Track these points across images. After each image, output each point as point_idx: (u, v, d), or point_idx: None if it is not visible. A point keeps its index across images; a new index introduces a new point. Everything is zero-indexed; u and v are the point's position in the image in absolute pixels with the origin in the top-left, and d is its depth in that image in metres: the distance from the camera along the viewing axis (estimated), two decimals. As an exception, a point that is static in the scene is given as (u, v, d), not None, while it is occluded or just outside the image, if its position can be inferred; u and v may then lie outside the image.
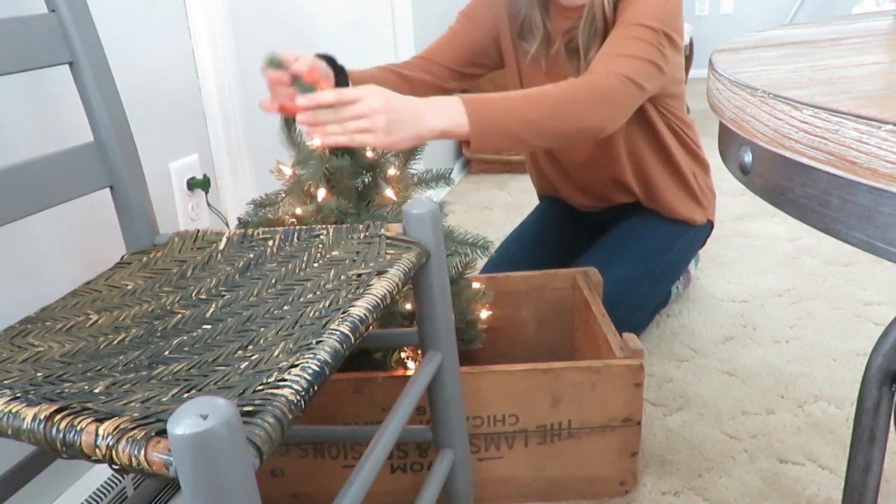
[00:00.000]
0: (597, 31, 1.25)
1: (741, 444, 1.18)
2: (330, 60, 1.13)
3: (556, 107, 1.04)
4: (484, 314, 1.15)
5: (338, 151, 0.99)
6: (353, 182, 1.00)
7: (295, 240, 0.84)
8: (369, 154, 1.01)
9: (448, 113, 0.95)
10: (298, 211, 1.00)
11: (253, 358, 0.59)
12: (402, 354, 1.08)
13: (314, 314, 0.65)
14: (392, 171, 1.03)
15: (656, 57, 1.16)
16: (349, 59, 1.18)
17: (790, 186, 0.46)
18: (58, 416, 0.50)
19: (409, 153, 1.06)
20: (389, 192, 1.00)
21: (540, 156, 1.56)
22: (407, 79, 1.32)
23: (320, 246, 0.81)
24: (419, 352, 1.08)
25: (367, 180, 1.02)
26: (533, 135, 1.03)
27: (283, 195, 1.03)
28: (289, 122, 1.02)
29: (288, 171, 1.03)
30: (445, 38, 1.41)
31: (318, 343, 0.58)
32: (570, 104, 1.05)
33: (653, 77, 1.17)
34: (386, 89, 0.92)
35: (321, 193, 1.00)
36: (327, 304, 0.66)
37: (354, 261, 0.76)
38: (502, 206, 2.46)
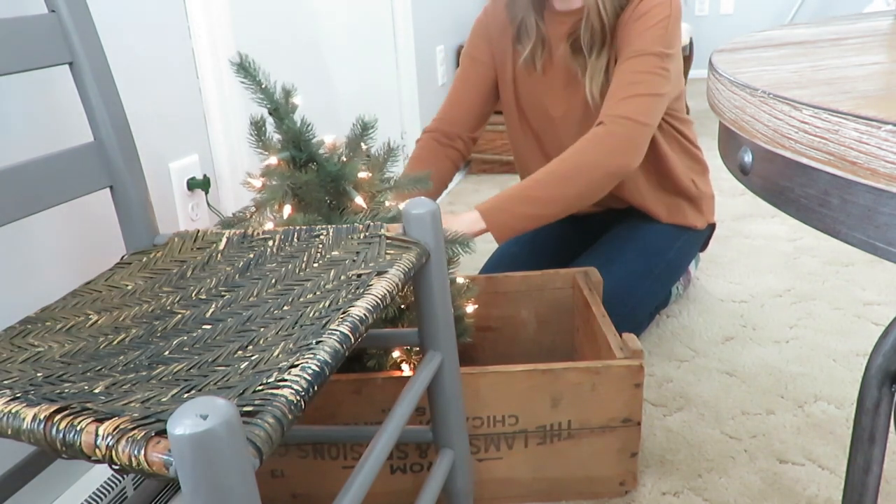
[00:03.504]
0: (597, 33, 1.30)
1: (741, 444, 1.18)
2: None
3: (564, 181, 1.19)
4: (470, 308, 1.14)
5: (302, 166, 0.98)
6: (321, 194, 0.99)
7: (295, 240, 0.84)
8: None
9: (474, 223, 1.19)
10: (269, 226, 0.98)
11: (253, 358, 0.59)
12: (395, 354, 1.07)
13: (314, 314, 0.65)
14: (362, 175, 1.00)
15: (661, 87, 1.24)
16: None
17: (790, 186, 0.46)
18: (58, 416, 0.50)
19: (387, 156, 1.05)
20: (359, 200, 0.99)
21: (534, 164, 1.56)
22: (453, 157, 1.46)
23: (320, 246, 0.81)
24: (414, 353, 1.08)
25: (338, 188, 1.00)
26: (550, 211, 1.21)
27: (253, 210, 1.01)
28: (259, 126, 1.00)
29: (258, 183, 1.00)
30: (458, 89, 1.46)
31: (317, 343, 0.58)
32: (576, 174, 1.20)
33: (660, 107, 1.26)
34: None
35: (287, 209, 0.98)
36: (327, 304, 0.66)
37: (354, 261, 0.76)
38: (502, 207, 2.46)
